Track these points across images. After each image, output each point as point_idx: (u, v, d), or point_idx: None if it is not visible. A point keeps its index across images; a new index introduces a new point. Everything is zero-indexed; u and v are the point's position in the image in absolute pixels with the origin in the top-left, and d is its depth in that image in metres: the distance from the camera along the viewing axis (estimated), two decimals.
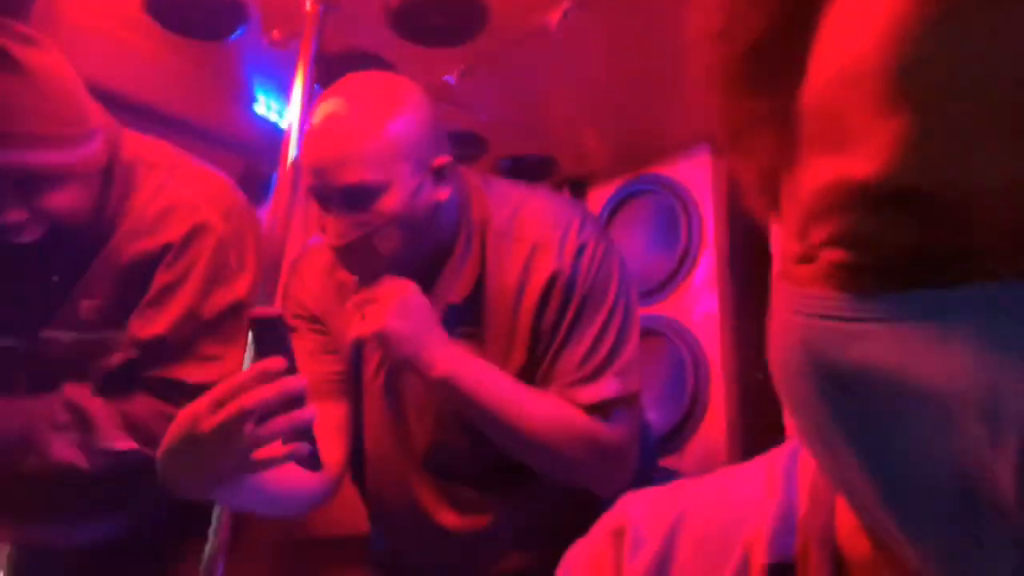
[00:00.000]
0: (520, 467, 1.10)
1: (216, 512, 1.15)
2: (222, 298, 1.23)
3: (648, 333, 1.89)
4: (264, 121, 1.78)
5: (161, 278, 1.19)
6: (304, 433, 0.86)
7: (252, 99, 1.73)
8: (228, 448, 0.82)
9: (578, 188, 2.20)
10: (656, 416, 1.83)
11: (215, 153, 1.87)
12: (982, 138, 0.23)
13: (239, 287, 1.25)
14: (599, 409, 1.06)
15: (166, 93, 1.65)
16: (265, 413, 0.81)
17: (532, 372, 1.10)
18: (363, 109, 1.02)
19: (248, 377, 0.82)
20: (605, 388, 1.07)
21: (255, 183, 2.08)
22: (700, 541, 0.42)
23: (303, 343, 1.20)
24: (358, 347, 1.19)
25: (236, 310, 1.24)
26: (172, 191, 1.23)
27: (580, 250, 1.09)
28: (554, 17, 1.34)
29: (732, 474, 0.45)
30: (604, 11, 1.32)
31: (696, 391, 1.80)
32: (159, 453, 0.86)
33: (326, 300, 1.20)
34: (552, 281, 1.07)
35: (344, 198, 1.01)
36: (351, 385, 1.20)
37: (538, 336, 1.09)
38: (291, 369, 0.84)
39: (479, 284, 1.11)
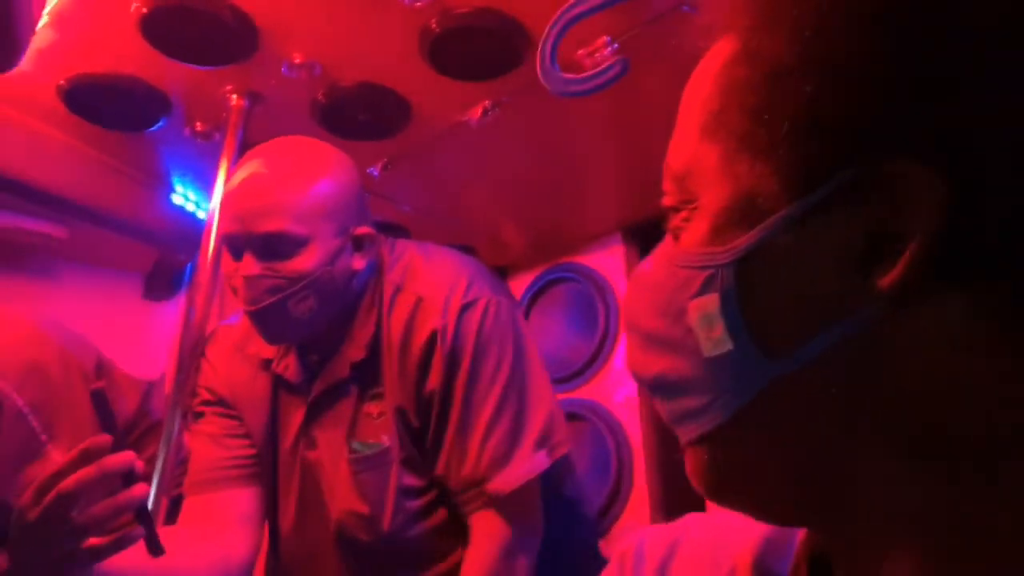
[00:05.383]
0: (427, 545, 1.08)
1: None
2: (34, 475, 1.00)
3: (570, 418, 1.91)
4: (181, 211, 1.77)
5: None
6: (139, 515, 0.79)
7: (170, 189, 1.72)
8: (56, 538, 0.76)
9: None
10: None
11: (129, 243, 1.83)
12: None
13: (55, 456, 1.10)
14: (512, 498, 1.02)
15: (81, 183, 1.62)
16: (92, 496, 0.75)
17: (429, 439, 1.07)
18: (291, 165, 1.03)
19: (68, 460, 0.76)
20: (516, 471, 1.03)
21: (169, 274, 2.03)
22: (693, 560, 0.47)
23: (207, 428, 1.16)
24: (273, 424, 1.16)
25: None
26: None
27: (465, 308, 1.06)
28: (474, 114, 1.41)
29: None
30: (522, 109, 1.40)
31: (620, 474, 1.82)
32: (8, 549, 0.80)
33: (236, 379, 1.18)
34: (433, 339, 1.05)
35: (262, 247, 0.99)
36: (263, 469, 1.16)
37: (427, 399, 1.06)
38: (116, 446, 0.77)
39: (376, 339, 1.09)
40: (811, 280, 0.33)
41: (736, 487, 0.38)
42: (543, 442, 1.06)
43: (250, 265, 1.00)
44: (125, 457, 0.78)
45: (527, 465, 1.03)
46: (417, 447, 1.08)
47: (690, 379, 0.37)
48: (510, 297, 1.15)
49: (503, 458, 1.03)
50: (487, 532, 1.03)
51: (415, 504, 1.09)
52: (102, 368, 1.25)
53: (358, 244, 1.07)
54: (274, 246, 0.99)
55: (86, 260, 1.93)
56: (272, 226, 0.98)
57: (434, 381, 1.05)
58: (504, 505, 1.03)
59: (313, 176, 1.03)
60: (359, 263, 1.07)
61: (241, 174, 1.03)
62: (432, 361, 1.05)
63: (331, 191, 1.04)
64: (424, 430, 1.07)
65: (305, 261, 1.00)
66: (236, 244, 1.02)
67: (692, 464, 0.39)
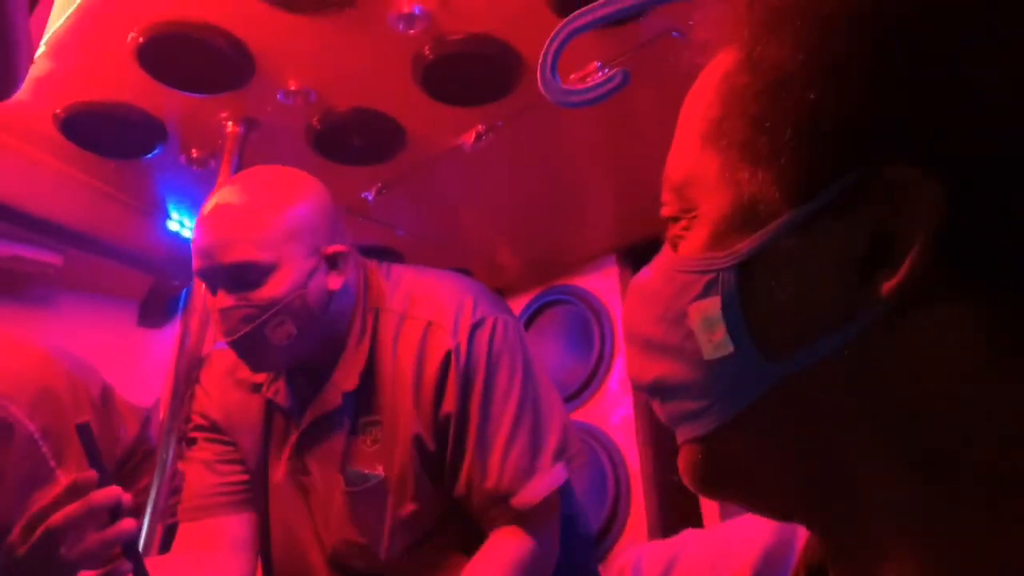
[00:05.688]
0: (426, 566, 1.07)
1: None
2: (44, 500, 1.02)
3: None
4: (176, 237, 1.77)
5: None
6: (127, 549, 0.80)
7: (165, 216, 1.72)
8: (45, 573, 0.77)
9: None
10: None
11: (124, 270, 1.83)
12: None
13: (63, 481, 1.04)
14: (537, 511, 1.03)
15: (77, 211, 1.63)
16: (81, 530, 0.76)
17: (448, 460, 1.07)
18: (256, 193, 1.03)
19: (57, 495, 0.78)
20: (540, 484, 1.03)
21: (164, 300, 2.03)
22: (692, 571, 0.47)
23: (200, 454, 1.15)
24: (265, 448, 1.16)
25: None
26: None
27: (475, 327, 1.07)
28: (468, 139, 1.43)
29: (735, 521, 0.50)
30: (515, 133, 1.41)
31: (617, 496, 1.81)
32: None
33: (229, 403, 1.17)
34: (447, 359, 1.05)
35: (230, 279, 0.99)
36: (256, 494, 1.15)
37: (443, 421, 1.06)
38: (103, 481, 0.79)
39: (371, 367, 1.09)
40: (813, 285, 0.33)
41: (734, 487, 0.38)
42: (561, 453, 1.07)
43: (223, 298, 1.00)
44: (112, 492, 0.78)
45: (549, 477, 1.04)
46: (429, 473, 1.08)
47: (689, 382, 0.37)
48: (512, 314, 1.16)
49: (526, 472, 1.03)
50: (505, 540, 1.02)
51: (414, 533, 1.09)
52: (106, 395, 1.24)
53: (332, 263, 1.06)
54: (242, 276, 0.99)
55: (82, 287, 1.93)
56: (236, 257, 0.98)
57: (450, 402, 1.05)
58: (529, 519, 1.03)
59: (275, 201, 1.02)
60: (335, 283, 1.06)
61: (205, 209, 1.03)
62: (447, 382, 1.05)
63: (296, 213, 1.03)
64: (440, 454, 1.07)
65: (275, 287, 0.99)
66: (208, 278, 1.02)
67: (686, 461, 0.39)
